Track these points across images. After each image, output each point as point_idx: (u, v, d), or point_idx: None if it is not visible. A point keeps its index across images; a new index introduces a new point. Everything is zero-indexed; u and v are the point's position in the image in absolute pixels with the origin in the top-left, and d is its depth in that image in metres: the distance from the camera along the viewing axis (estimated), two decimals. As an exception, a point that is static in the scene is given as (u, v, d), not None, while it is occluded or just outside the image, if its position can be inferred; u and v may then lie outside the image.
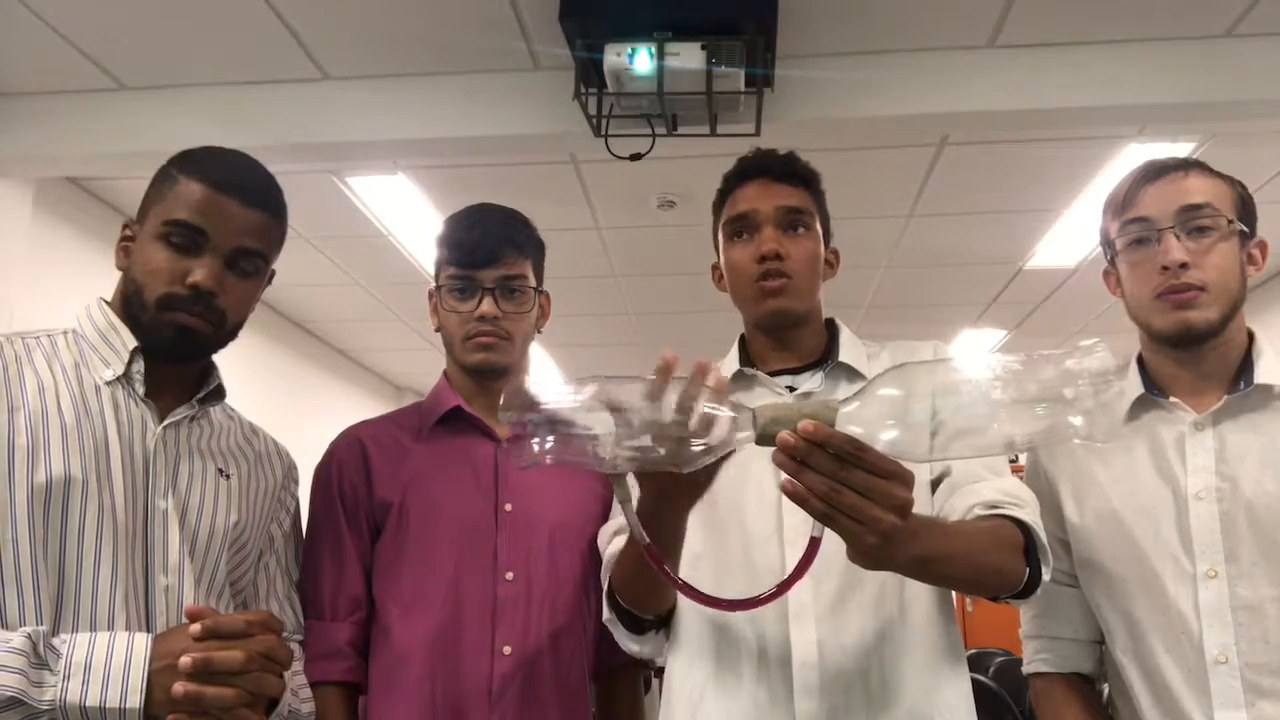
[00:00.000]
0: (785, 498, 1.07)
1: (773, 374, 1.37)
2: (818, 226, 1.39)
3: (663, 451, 0.92)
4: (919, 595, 1.25)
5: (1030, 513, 1.19)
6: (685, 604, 1.30)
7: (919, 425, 0.90)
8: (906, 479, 0.91)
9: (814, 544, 0.96)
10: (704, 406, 0.92)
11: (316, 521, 1.52)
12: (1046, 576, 1.18)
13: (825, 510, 0.89)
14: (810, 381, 1.36)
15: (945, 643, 1.26)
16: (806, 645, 1.21)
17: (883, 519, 0.89)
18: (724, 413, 0.92)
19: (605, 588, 1.29)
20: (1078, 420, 0.85)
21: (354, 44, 2.78)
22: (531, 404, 0.92)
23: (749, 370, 1.38)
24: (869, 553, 0.93)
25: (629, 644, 1.31)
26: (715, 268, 1.45)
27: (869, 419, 0.89)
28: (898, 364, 0.92)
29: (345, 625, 1.45)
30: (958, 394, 0.89)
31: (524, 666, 1.42)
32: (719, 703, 1.24)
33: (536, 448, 0.91)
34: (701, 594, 1.01)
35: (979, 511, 1.18)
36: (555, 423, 0.91)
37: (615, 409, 0.91)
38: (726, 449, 0.93)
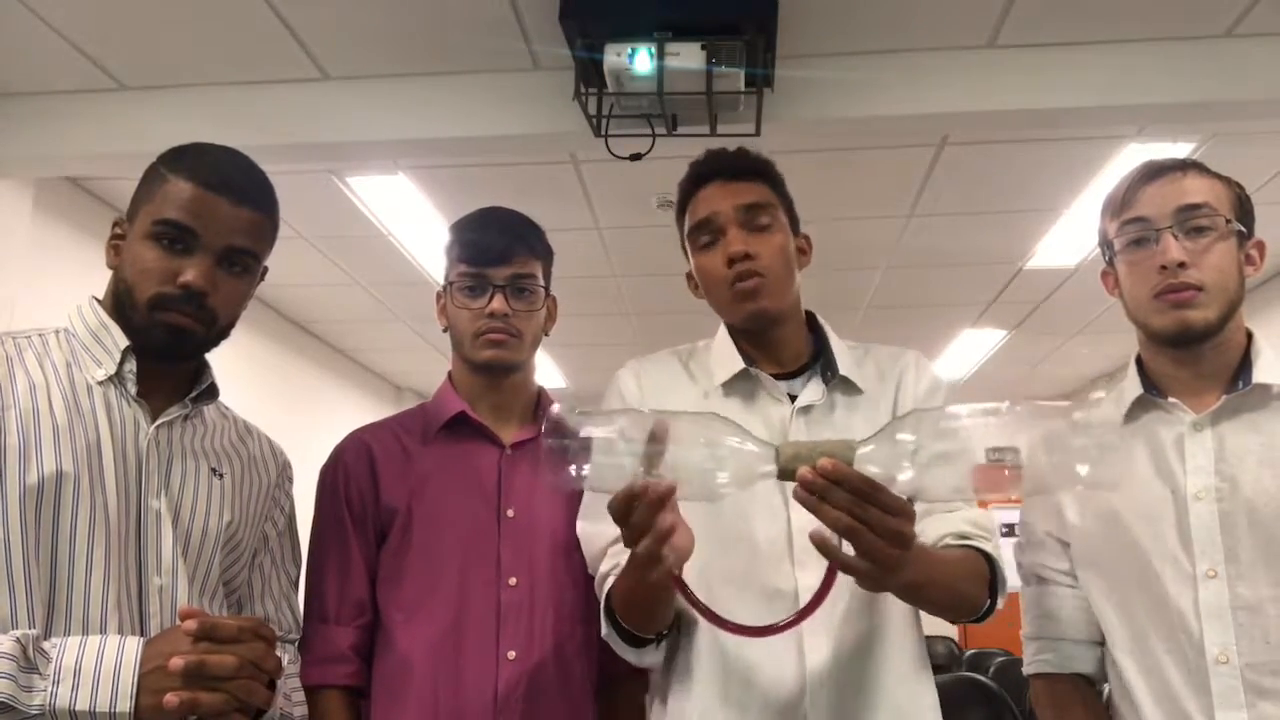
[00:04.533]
0: (793, 518, 1.12)
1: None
2: (782, 216, 1.38)
3: (693, 483, 0.97)
4: (895, 609, 1.29)
5: (994, 546, 1.27)
6: (690, 617, 1.30)
7: (930, 469, 0.94)
8: (912, 516, 0.97)
9: (831, 573, 1.02)
10: (730, 443, 0.97)
11: (322, 525, 1.52)
12: (1000, 606, 1.26)
13: (838, 554, 0.97)
14: (809, 391, 1.35)
15: (919, 646, 1.33)
16: (819, 656, 1.24)
17: (891, 554, 0.96)
18: (748, 448, 0.97)
19: (603, 602, 1.29)
20: (1084, 469, 0.91)
21: (354, 44, 2.78)
22: (571, 432, 0.98)
23: (753, 370, 1.37)
24: (874, 583, 1.01)
25: (627, 656, 1.32)
26: (689, 277, 1.45)
27: (885, 460, 0.94)
28: (914, 410, 0.98)
29: (349, 629, 1.46)
30: (970, 440, 0.93)
31: (529, 671, 1.42)
32: (729, 714, 1.25)
33: (574, 472, 0.97)
34: (726, 621, 1.06)
35: (949, 541, 1.25)
36: (591, 451, 0.97)
37: (648, 442, 0.96)
38: (749, 482, 0.98)
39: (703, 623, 1.28)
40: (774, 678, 1.24)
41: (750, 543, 1.27)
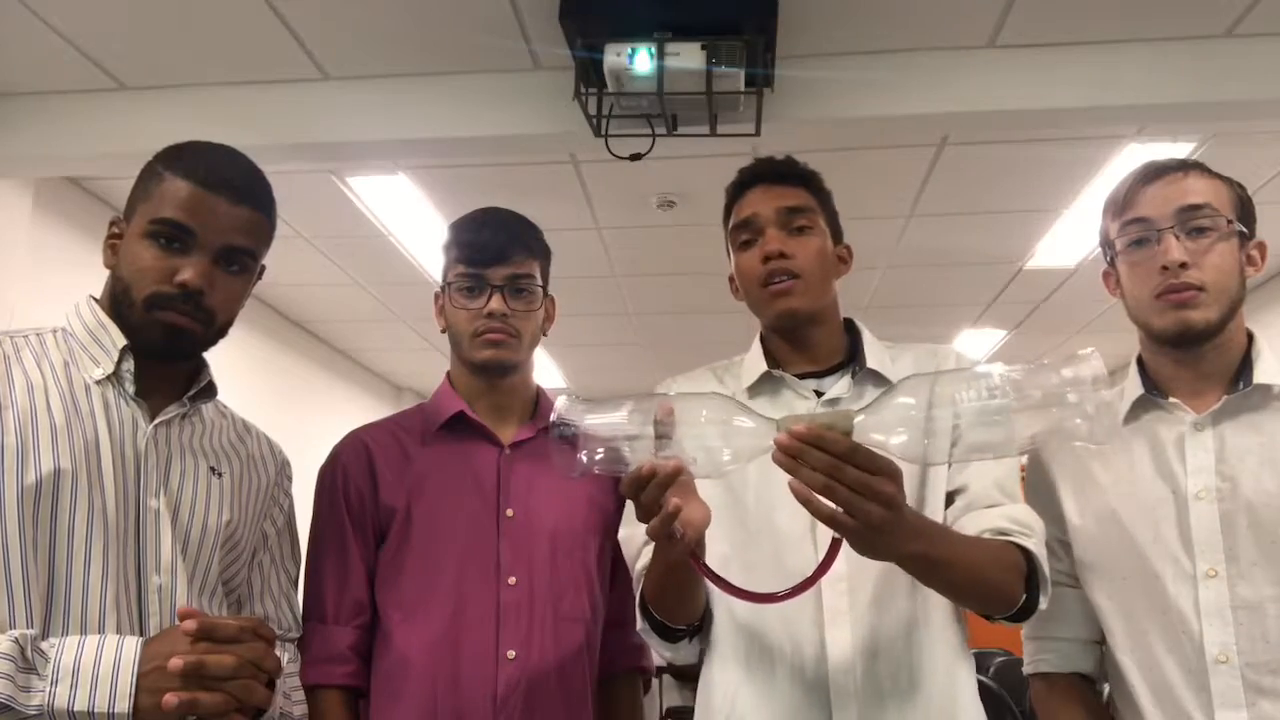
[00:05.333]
0: None
1: (797, 378, 1.37)
2: (822, 223, 1.40)
3: (698, 460, 1.00)
4: (932, 598, 1.27)
5: (1036, 542, 1.23)
6: (720, 610, 1.32)
7: (932, 431, 0.96)
8: (895, 475, 0.97)
9: (836, 543, 1.03)
10: (734, 420, 1.00)
11: (321, 525, 1.52)
12: (1043, 605, 1.22)
13: (821, 509, 0.96)
14: (837, 386, 1.36)
15: (959, 638, 1.30)
16: (841, 647, 1.23)
17: (872, 511, 0.96)
18: (751, 424, 0.99)
19: (638, 598, 1.31)
20: (1079, 422, 0.92)
21: (354, 44, 2.77)
22: (580, 419, 1.00)
23: (776, 372, 1.38)
24: (864, 543, 1.01)
25: (663, 651, 1.35)
26: (731, 279, 1.46)
27: (884, 425, 0.96)
28: (910, 375, 0.99)
29: (348, 629, 1.46)
30: (967, 401, 0.95)
31: (528, 671, 1.42)
32: (754, 706, 1.26)
33: (586, 458, 1.00)
34: (736, 588, 1.08)
35: (987, 537, 1.22)
36: (602, 436, 1.00)
37: (655, 423, 0.99)
38: (753, 456, 1.00)
39: (723, 614, 1.31)
40: (796, 664, 1.24)
41: (773, 532, 1.28)
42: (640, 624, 1.31)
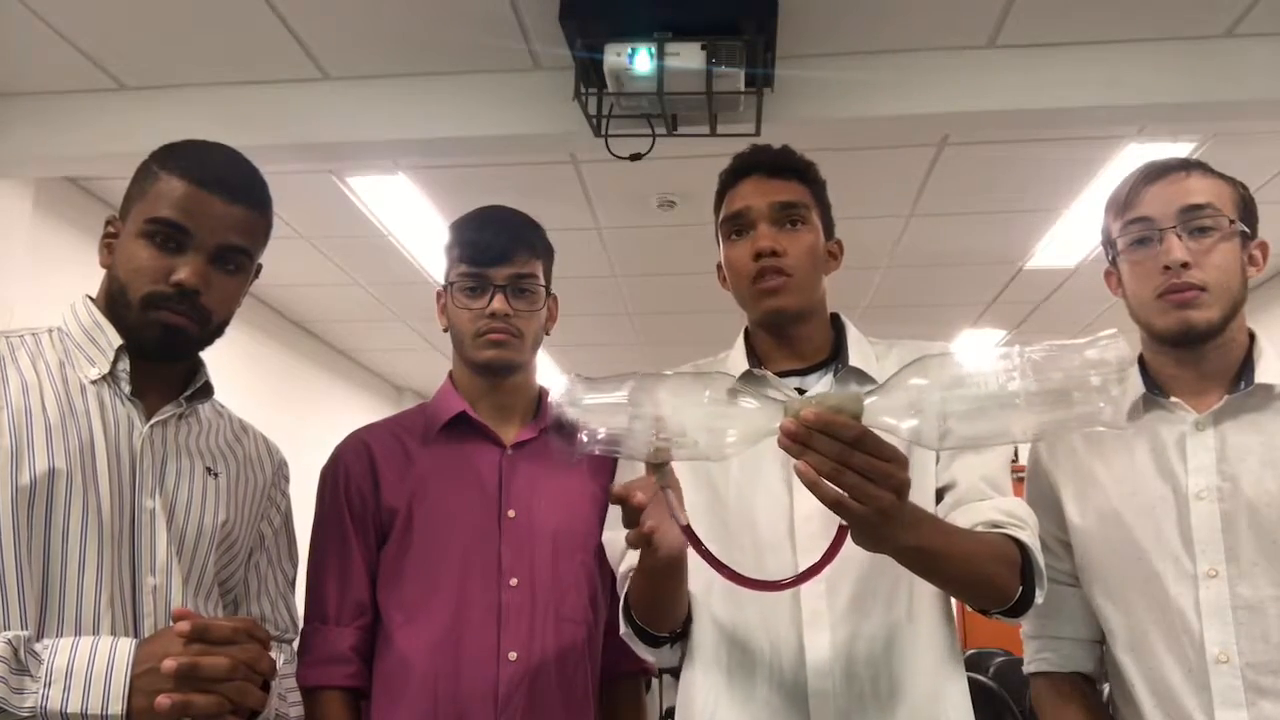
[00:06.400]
0: (796, 505, 1.08)
1: (780, 375, 1.36)
2: (815, 219, 1.38)
3: (700, 442, 0.98)
4: (924, 598, 1.26)
5: (1030, 534, 1.21)
6: (702, 613, 1.31)
7: (945, 414, 0.92)
8: (904, 462, 0.95)
9: (842, 531, 0.99)
10: (740, 401, 0.98)
11: (323, 526, 1.52)
12: (1039, 600, 1.20)
13: (828, 493, 0.93)
14: (819, 385, 1.35)
15: (947, 643, 1.28)
16: (820, 651, 1.22)
17: (882, 497, 0.93)
18: (756, 406, 0.97)
19: (622, 602, 1.30)
20: (1103, 406, 0.88)
21: (354, 44, 2.77)
22: (582, 399, 0.99)
23: (758, 371, 1.37)
24: (869, 530, 0.97)
25: (646, 655, 1.34)
26: (719, 267, 1.45)
27: (895, 409, 0.93)
28: (921, 356, 0.95)
29: (349, 630, 1.46)
30: (981, 384, 0.91)
31: (530, 672, 1.42)
32: (733, 710, 1.25)
33: (586, 439, 0.98)
34: (736, 574, 1.05)
35: (980, 530, 1.21)
36: (603, 416, 0.98)
37: (658, 403, 0.97)
38: (758, 440, 0.97)
39: (705, 617, 1.30)
40: (775, 668, 1.23)
41: (753, 531, 1.28)
42: (624, 628, 1.30)
